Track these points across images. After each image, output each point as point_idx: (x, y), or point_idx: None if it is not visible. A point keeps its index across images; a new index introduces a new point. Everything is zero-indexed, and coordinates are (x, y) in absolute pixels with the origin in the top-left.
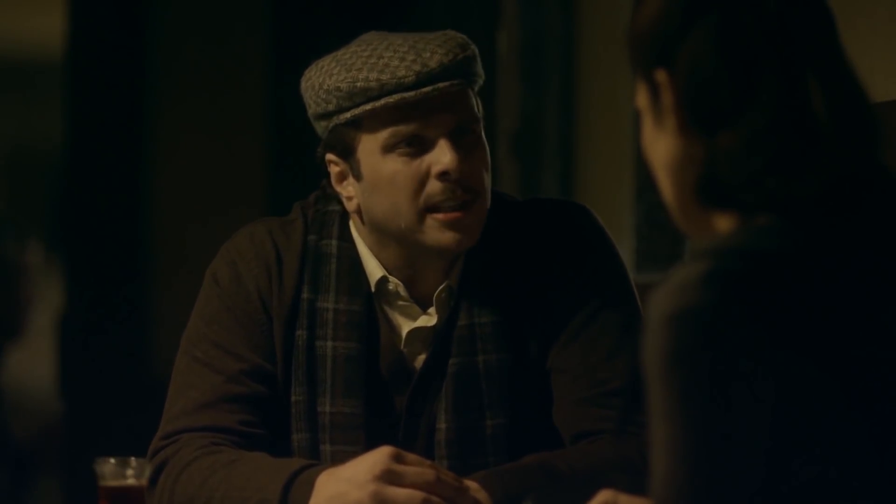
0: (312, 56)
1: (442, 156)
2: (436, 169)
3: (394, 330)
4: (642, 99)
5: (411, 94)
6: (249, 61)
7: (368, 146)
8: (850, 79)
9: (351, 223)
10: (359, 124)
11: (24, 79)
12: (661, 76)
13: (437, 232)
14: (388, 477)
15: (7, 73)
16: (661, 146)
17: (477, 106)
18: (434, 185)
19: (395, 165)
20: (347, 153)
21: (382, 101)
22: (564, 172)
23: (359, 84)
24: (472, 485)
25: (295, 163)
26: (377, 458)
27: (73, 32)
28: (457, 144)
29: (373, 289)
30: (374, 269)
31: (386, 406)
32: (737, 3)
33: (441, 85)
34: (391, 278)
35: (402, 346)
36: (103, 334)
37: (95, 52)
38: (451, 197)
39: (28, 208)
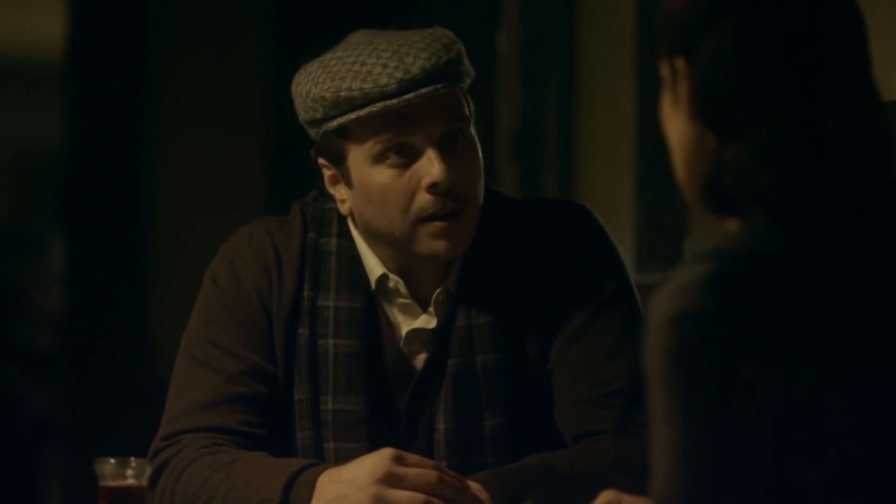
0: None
1: (430, 167)
2: (425, 181)
3: (394, 328)
4: (665, 71)
5: (394, 101)
6: (249, 61)
7: (357, 156)
8: (867, 95)
9: (349, 220)
10: (346, 133)
11: (24, 79)
12: (679, 64)
13: (428, 240)
14: (390, 479)
15: (7, 73)
16: (675, 125)
17: (467, 105)
18: (424, 198)
19: (384, 178)
20: (338, 160)
21: (366, 111)
22: (564, 172)
23: (342, 94)
24: (473, 485)
25: (295, 162)
26: (378, 460)
27: (73, 32)
28: (446, 152)
29: (373, 286)
30: (374, 267)
31: (387, 404)
32: (760, 7)
33: (424, 91)
34: (391, 276)
35: (401, 345)
36: (103, 334)
37: (95, 52)
38: (441, 208)
39: (28, 208)
